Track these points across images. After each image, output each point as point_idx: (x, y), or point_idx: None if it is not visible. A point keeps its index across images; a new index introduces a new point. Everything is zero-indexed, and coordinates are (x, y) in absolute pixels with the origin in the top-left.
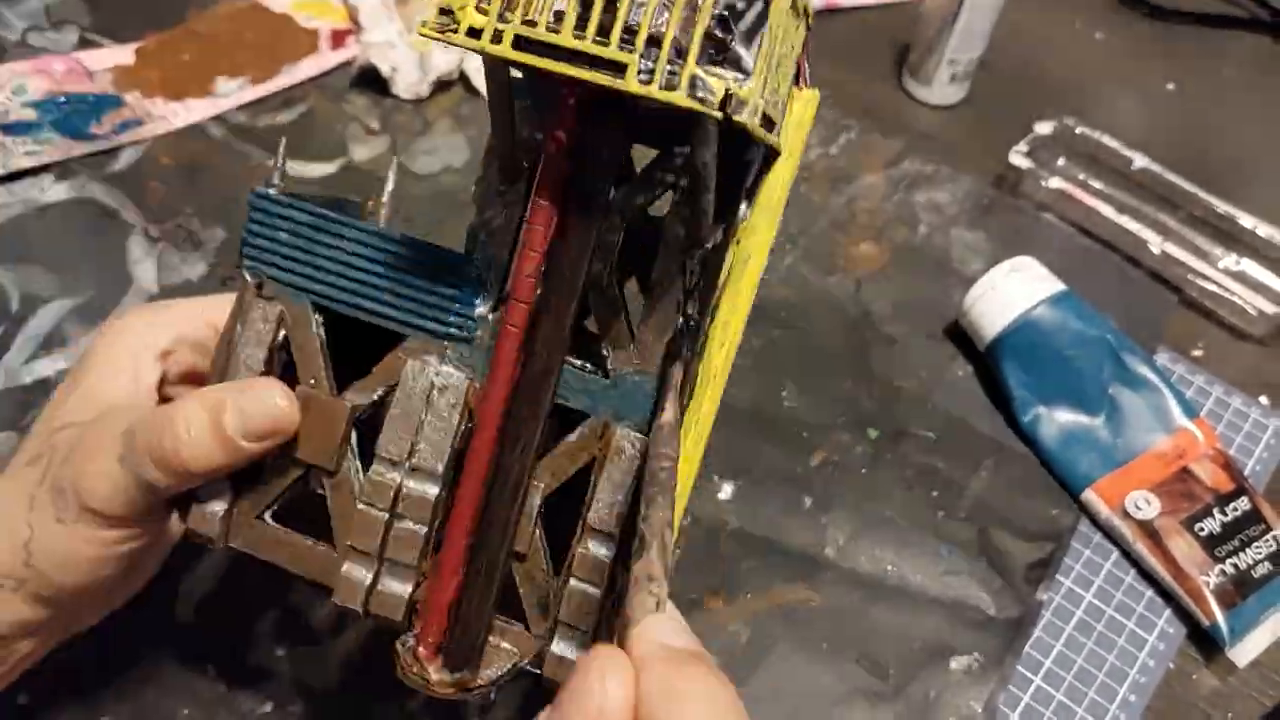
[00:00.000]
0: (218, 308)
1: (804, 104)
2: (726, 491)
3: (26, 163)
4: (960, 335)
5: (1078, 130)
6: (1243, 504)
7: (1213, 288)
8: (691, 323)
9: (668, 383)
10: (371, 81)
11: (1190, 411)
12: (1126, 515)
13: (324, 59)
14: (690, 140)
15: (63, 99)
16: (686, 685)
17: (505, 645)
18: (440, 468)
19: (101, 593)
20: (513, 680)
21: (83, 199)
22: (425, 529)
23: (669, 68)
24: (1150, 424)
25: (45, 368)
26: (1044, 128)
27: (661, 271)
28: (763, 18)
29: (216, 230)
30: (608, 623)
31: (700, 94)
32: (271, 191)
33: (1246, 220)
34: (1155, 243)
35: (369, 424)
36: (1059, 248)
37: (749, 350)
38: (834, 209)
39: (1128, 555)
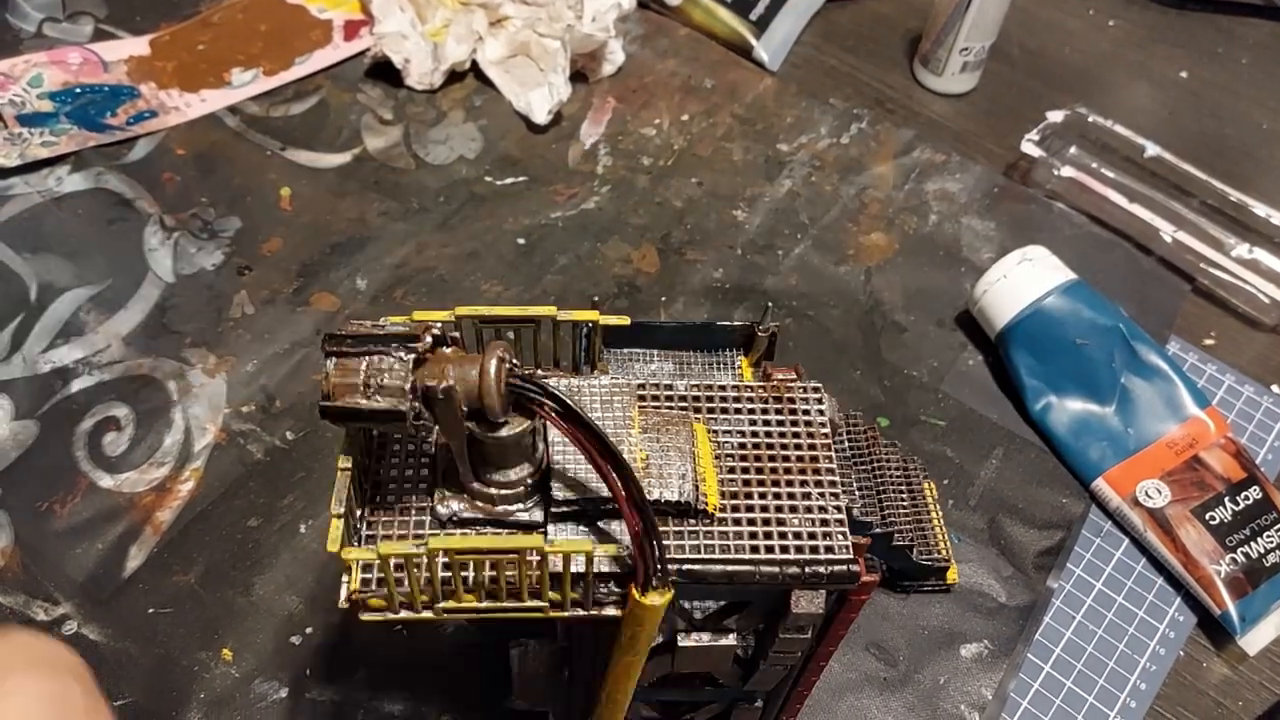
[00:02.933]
0: None
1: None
2: None
3: (43, 153)
4: (971, 324)
5: (1090, 118)
6: (1254, 493)
7: (1225, 276)
8: None
9: None
10: (384, 72)
11: (1202, 400)
12: (1137, 504)
13: (337, 50)
14: None
15: (78, 90)
16: None
17: None
18: None
19: None
20: None
21: (98, 189)
22: None
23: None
24: (1161, 413)
25: (63, 356)
26: (1056, 116)
27: None
28: None
29: (232, 219)
30: None
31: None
32: None
33: (1259, 209)
34: (1167, 231)
35: None
36: (1070, 236)
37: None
38: (845, 198)
39: (1138, 544)
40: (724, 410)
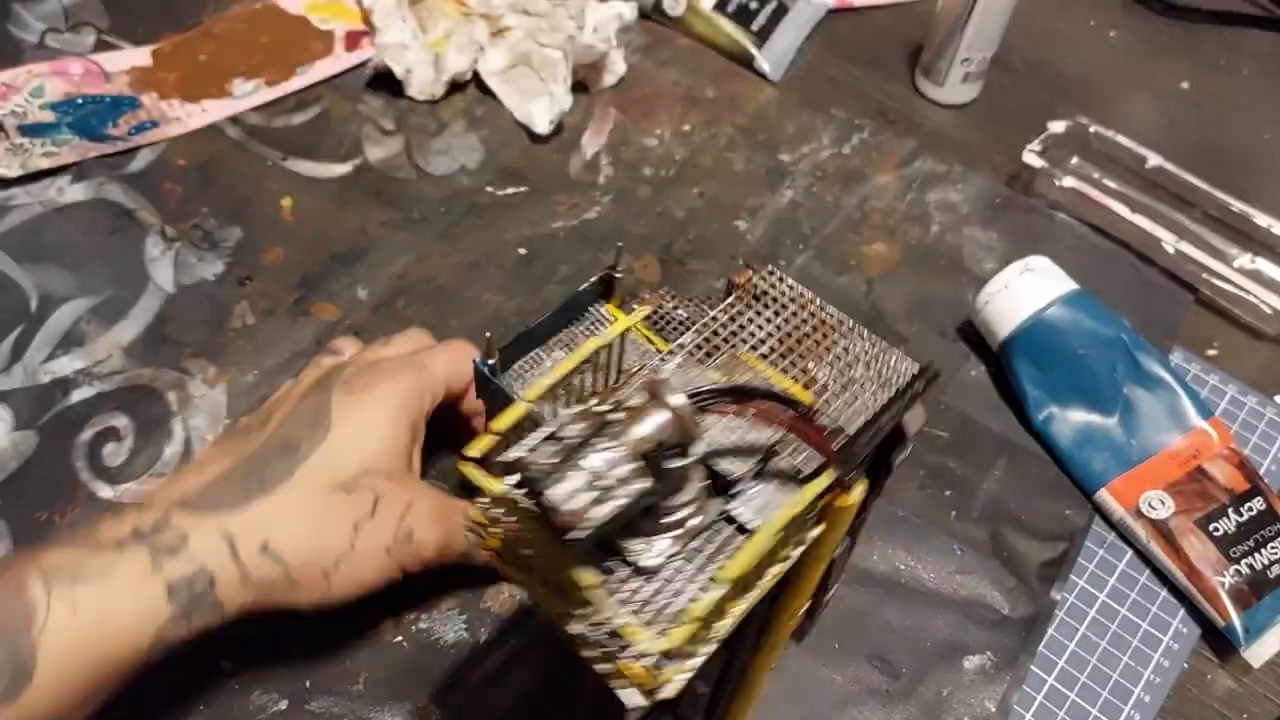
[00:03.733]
0: (458, 372)
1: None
2: None
3: (44, 164)
4: (973, 335)
5: (1091, 129)
6: (1258, 504)
7: (1228, 287)
8: None
9: None
10: (386, 82)
11: (1205, 411)
12: (1140, 515)
13: (339, 60)
14: None
15: (80, 100)
16: None
17: None
18: None
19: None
20: None
21: (100, 199)
22: None
23: None
24: (1164, 424)
25: (64, 366)
26: (1057, 126)
27: None
28: None
29: (233, 230)
30: None
31: None
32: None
33: (1261, 219)
34: (1170, 242)
35: None
36: (1072, 247)
37: None
38: (847, 208)
39: (1142, 555)
40: (733, 334)
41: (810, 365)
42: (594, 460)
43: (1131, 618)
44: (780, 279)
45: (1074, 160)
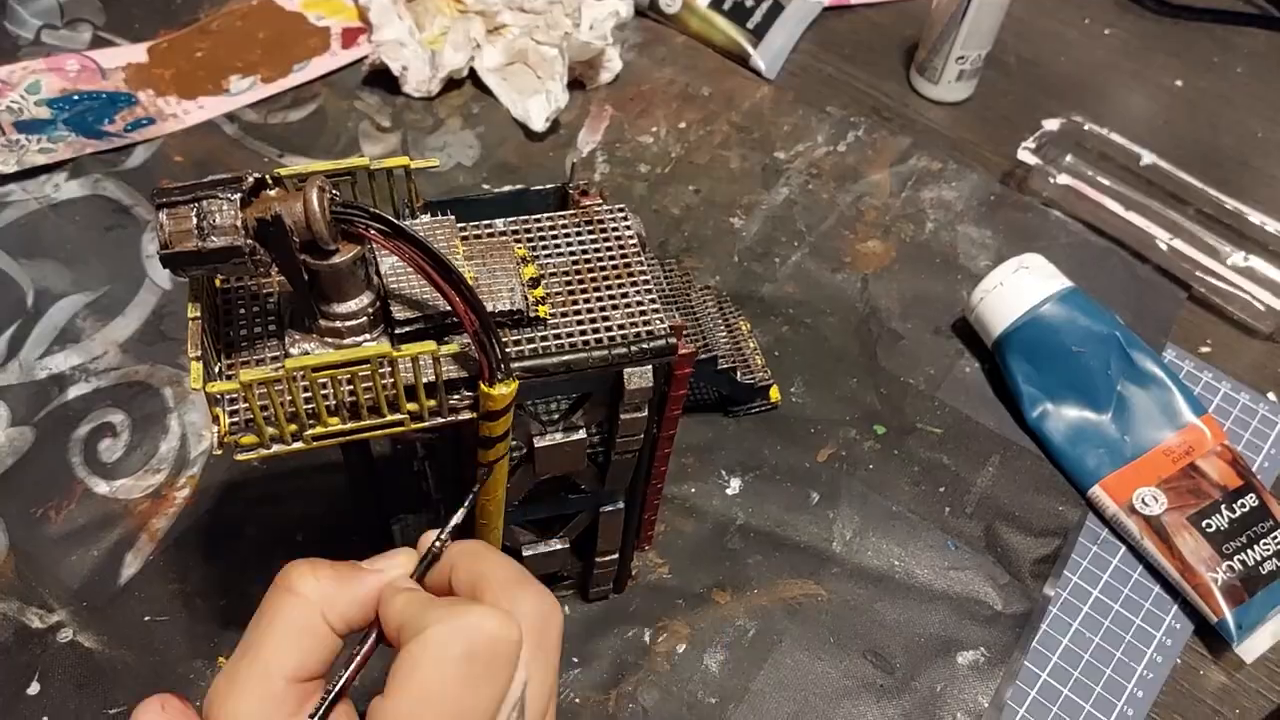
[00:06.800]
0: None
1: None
2: (734, 487)
3: (40, 160)
4: (967, 332)
5: (1086, 127)
6: (1250, 500)
7: (1221, 284)
8: None
9: None
10: (382, 79)
11: (1198, 408)
12: (1134, 511)
13: (335, 57)
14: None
15: (76, 97)
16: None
17: None
18: None
19: None
20: None
21: (96, 196)
22: None
23: None
24: (1158, 420)
25: (60, 362)
26: (1052, 124)
27: None
28: None
29: None
30: None
31: None
32: None
33: (1255, 217)
34: (1163, 239)
35: None
36: (1066, 244)
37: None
38: (841, 206)
39: (1135, 551)
40: (542, 237)
41: (580, 293)
42: (210, 202)
43: (1125, 614)
44: (624, 217)
45: (1068, 158)
